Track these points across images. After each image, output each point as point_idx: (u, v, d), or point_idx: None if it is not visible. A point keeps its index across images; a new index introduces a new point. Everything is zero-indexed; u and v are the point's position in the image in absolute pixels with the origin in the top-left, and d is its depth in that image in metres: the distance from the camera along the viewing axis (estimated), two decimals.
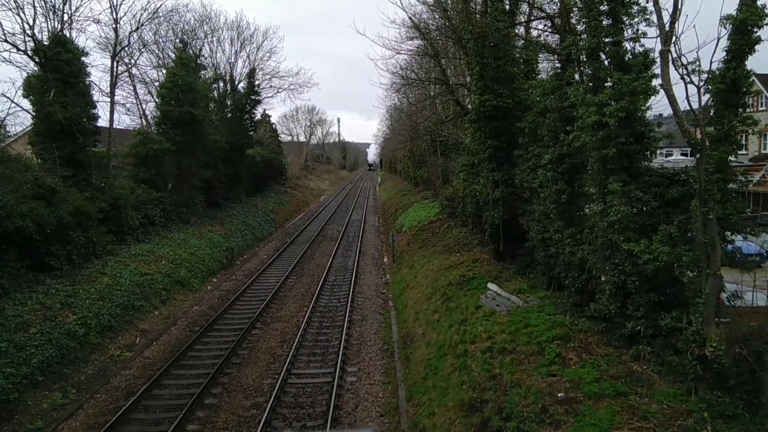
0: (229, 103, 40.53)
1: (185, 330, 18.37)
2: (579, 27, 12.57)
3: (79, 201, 19.22)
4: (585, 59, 11.87)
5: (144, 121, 34.07)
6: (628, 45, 10.90)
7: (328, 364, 15.17)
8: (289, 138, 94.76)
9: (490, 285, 16.15)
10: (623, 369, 9.86)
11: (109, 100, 26.52)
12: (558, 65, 14.55)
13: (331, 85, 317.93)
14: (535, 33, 19.72)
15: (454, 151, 33.55)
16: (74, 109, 20.57)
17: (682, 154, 46.33)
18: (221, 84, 40.91)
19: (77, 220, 18.83)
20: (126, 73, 30.88)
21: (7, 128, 22.35)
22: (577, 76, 12.88)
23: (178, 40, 36.30)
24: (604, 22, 10.98)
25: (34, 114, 20.59)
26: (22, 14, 20.53)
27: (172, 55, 34.89)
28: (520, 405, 9.37)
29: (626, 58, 10.79)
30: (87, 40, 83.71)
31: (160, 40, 36.01)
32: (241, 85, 41.59)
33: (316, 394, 13.37)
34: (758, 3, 8.71)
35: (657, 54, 9.24)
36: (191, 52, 35.50)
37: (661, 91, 9.30)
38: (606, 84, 11.03)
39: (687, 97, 8.50)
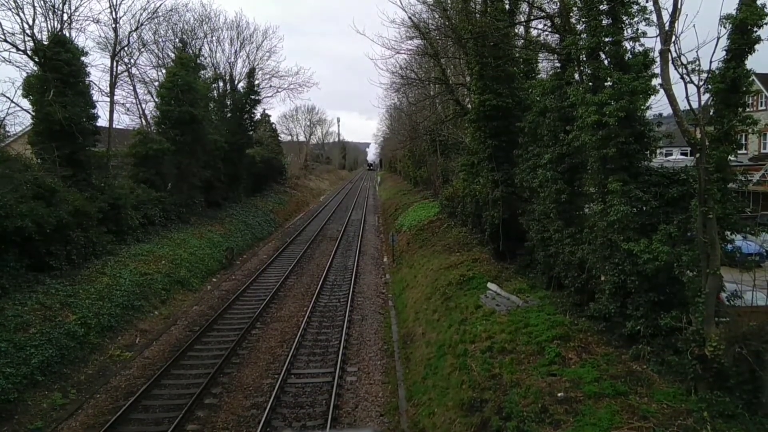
0: (228, 102, 40.52)
1: (185, 330, 18.36)
2: (579, 26, 12.57)
3: (78, 201, 19.22)
4: (585, 59, 11.86)
5: (144, 121, 34.09)
6: (627, 44, 10.91)
7: (327, 363, 15.17)
8: (289, 138, 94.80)
9: (489, 285, 16.15)
10: (623, 368, 9.86)
11: (108, 99, 26.57)
12: (558, 65, 14.55)
13: (330, 84, 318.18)
14: (534, 32, 19.74)
15: (454, 150, 33.54)
16: (74, 108, 20.55)
17: (681, 154, 46.34)
18: (221, 84, 40.91)
19: (77, 220, 18.83)
20: (126, 73, 30.95)
21: (7, 128, 22.38)
22: (576, 76, 12.87)
23: (177, 40, 36.33)
24: (603, 22, 10.98)
25: (33, 114, 20.58)
26: (21, 14, 20.57)
27: (172, 55, 34.90)
28: (520, 405, 9.37)
29: (626, 58, 10.79)
30: (86, 39, 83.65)
31: (160, 40, 36.09)
32: (241, 84, 41.63)
33: (315, 393, 13.37)
34: (758, 3, 8.71)
35: (657, 53, 9.25)
36: (191, 51, 35.48)
37: (661, 91, 9.30)
38: (606, 83, 11.03)
39: (687, 97, 8.52)
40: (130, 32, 28.94)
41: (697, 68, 8.46)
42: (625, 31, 10.87)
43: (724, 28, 8.73)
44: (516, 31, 19.07)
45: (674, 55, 8.48)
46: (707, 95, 9.25)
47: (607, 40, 10.82)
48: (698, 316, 8.70)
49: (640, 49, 10.74)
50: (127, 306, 18.31)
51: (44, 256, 17.15)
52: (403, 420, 12.19)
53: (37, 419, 12.10)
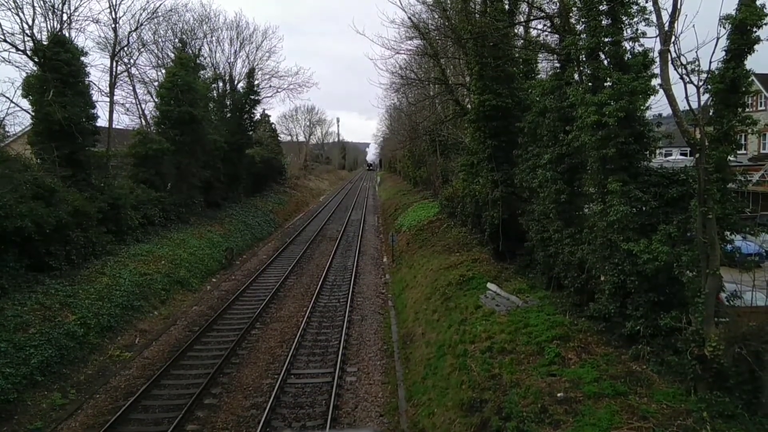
0: (228, 102, 40.51)
1: (185, 330, 18.36)
2: (578, 27, 12.57)
3: (78, 201, 19.21)
4: (584, 59, 11.87)
5: (143, 121, 34.10)
6: (627, 45, 10.91)
7: (327, 364, 15.17)
8: (289, 138, 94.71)
9: (489, 285, 16.15)
10: (623, 369, 9.86)
11: (108, 99, 26.54)
12: (557, 65, 14.55)
13: (330, 85, 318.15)
14: (534, 33, 19.72)
15: (454, 150, 33.54)
16: (73, 108, 20.54)
17: (681, 154, 46.36)
18: (220, 84, 40.92)
19: (76, 220, 18.82)
20: (125, 73, 30.95)
21: (7, 128, 22.38)
22: (576, 76, 12.87)
23: (177, 40, 36.31)
24: (603, 22, 10.98)
25: (33, 114, 20.57)
26: (21, 14, 20.56)
27: (172, 55, 34.91)
28: (520, 405, 9.37)
29: (625, 58, 10.79)
30: (86, 39, 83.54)
31: (160, 40, 36.09)
32: (241, 84, 41.63)
33: (315, 394, 13.36)
34: (757, 3, 8.71)
35: (656, 54, 9.24)
36: (190, 51, 35.47)
37: (661, 91, 9.30)
38: (605, 84, 11.03)
39: (686, 97, 8.53)
40: (129, 32, 28.95)
41: (696, 68, 8.47)
42: (624, 32, 10.87)
43: (724, 28, 8.73)
44: (516, 31, 19.07)
45: (674, 55, 8.49)
46: (707, 95, 9.25)
47: (606, 40, 10.82)
48: (698, 316, 8.71)
49: (640, 49, 10.75)
50: (127, 306, 18.31)
51: (44, 257, 17.15)
52: (402, 420, 12.19)
53: (37, 419, 12.10)
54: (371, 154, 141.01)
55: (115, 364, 15.33)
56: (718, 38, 8.33)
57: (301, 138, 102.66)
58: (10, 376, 12.51)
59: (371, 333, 17.94)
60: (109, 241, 21.22)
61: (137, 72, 33.97)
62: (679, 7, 8.40)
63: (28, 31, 20.55)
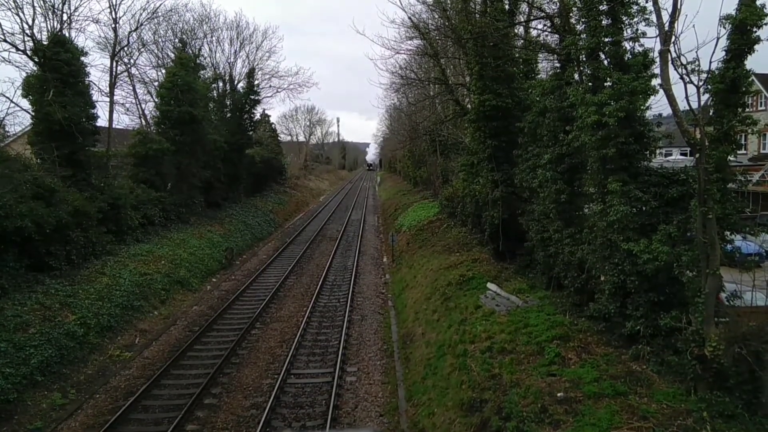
0: (228, 102, 40.51)
1: (185, 330, 18.36)
2: (578, 27, 12.57)
3: (78, 201, 19.21)
4: (584, 59, 11.87)
5: (143, 121, 34.10)
6: (627, 45, 10.91)
7: (327, 364, 15.17)
8: (289, 138, 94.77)
9: (489, 285, 16.15)
10: (623, 369, 9.86)
11: (108, 99, 26.53)
12: (557, 65, 14.54)
13: (330, 85, 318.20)
14: (534, 33, 19.72)
15: (454, 150, 33.55)
16: (73, 108, 20.54)
17: (681, 154, 46.38)
18: (220, 84, 40.90)
19: (76, 220, 18.81)
20: (125, 73, 30.93)
21: (6, 128, 22.39)
22: (576, 76, 12.87)
23: (177, 40, 36.31)
24: (603, 22, 10.98)
25: (33, 114, 20.57)
26: (21, 14, 20.55)
27: (172, 55, 34.91)
28: (520, 405, 9.37)
29: (626, 58, 10.79)
30: (86, 39, 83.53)
31: (160, 40, 36.08)
32: (241, 84, 41.61)
33: (315, 394, 13.36)
34: (757, 3, 8.71)
35: (656, 54, 9.24)
36: (190, 51, 35.48)
37: (661, 91, 9.30)
38: (605, 84, 11.03)
39: (686, 97, 8.52)
40: (129, 32, 28.94)
41: (696, 68, 8.47)
42: (624, 32, 10.87)
43: (724, 28, 8.73)
44: (516, 31, 19.07)
45: (674, 55, 8.49)
46: (707, 95, 9.25)
47: (606, 40, 10.82)
48: (698, 316, 8.71)
49: (640, 49, 10.75)
50: (127, 306, 18.31)
51: (44, 257, 17.14)
52: (402, 420, 12.19)
53: (37, 419, 12.10)
54: (371, 154, 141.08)
55: (115, 364, 15.32)
56: (718, 38, 8.34)
57: (301, 138, 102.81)
58: (10, 376, 12.52)
59: (371, 333, 17.94)
60: (109, 241, 21.22)
61: (137, 72, 34.02)
62: (679, 7, 8.40)
63: (28, 31, 20.57)
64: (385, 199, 59.84)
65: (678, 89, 8.54)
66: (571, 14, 13.40)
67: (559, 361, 10.58)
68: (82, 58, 21.67)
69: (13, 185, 16.01)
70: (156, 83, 33.68)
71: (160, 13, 31.49)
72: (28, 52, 20.69)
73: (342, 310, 19.93)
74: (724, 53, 9.01)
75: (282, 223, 43.45)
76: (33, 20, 20.64)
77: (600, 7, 10.95)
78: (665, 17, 8.65)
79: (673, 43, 8.50)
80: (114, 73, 26.85)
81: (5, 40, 20.40)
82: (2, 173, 16.19)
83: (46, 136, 20.30)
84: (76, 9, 22.87)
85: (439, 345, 14.39)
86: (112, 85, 26.71)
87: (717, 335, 8.23)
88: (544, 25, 16.64)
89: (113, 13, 26.16)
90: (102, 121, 24.41)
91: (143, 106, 34.86)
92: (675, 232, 9.47)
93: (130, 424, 12.01)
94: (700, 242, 8.64)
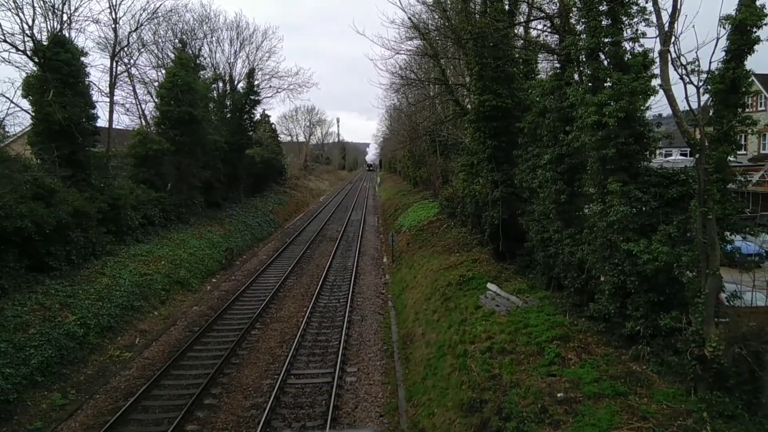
0: (228, 103, 40.51)
1: (185, 330, 18.36)
2: (578, 27, 12.58)
3: (78, 201, 19.21)
4: (584, 59, 11.86)
5: (143, 121, 34.09)
6: (627, 45, 10.90)
7: (327, 364, 15.17)
8: (289, 138, 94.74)
9: (489, 285, 16.15)
10: (623, 369, 9.86)
11: (108, 100, 26.50)
12: (557, 65, 14.55)
13: (330, 85, 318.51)
14: (534, 33, 19.72)
15: (454, 151, 33.52)
16: (73, 109, 20.53)
17: (681, 154, 46.34)
18: (220, 84, 40.91)
19: (76, 221, 18.81)
20: (125, 73, 30.92)
21: (6, 128, 22.30)
22: (576, 76, 12.87)
23: (177, 40, 36.33)
24: (603, 22, 10.98)
25: (33, 114, 20.55)
26: (21, 14, 20.51)
27: (172, 55, 34.91)
28: (520, 405, 9.37)
29: (625, 58, 10.78)
30: (86, 40, 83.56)
31: (160, 40, 36.08)
32: (241, 85, 41.63)
33: (315, 394, 13.36)
34: (757, 3, 8.71)
35: (656, 54, 9.24)
36: (190, 52, 35.50)
37: (661, 91, 9.30)
38: (605, 84, 11.03)
39: (686, 97, 8.52)
40: (129, 32, 28.90)
41: (696, 69, 8.46)
42: (624, 32, 10.87)
43: (724, 28, 8.72)
44: (516, 31, 19.07)
45: (674, 55, 8.49)
46: (707, 96, 9.24)
47: (606, 40, 10.82)
48: (698, 316, 8.70)
49: (640, 49, 10.74)
50: (127, 306, 18.31)
51: (44, 257, 17.14)
52: (402, 420, 12.18)
53: (37, 420, 12.10)
54: (371, 155, 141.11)
55: (115, 364, 15.32)
56: (718, 38, 8.33)
57: (301, 138, 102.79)
58: (10, 376, 12.52)
59: (371, 333, 17.94)
60: (109, 241, 21.22)
61: (137, 72, 34.00)
62: (679, 7, 8.40)
63: (28, 32, 20.55)
64: (385, 200, 59.85)
65: (678, 89, 8.56)
66: (571, 14, 13.41)
67: (559, 362, 10.58)
68: (82, 59, 21.66)
69: (13, 185, 16.01)
70: (156, 83, 33.69)
71: (160, 14, 31.49)
72: (28, 53, 20.68)
73: (342, 311, 19.92)
74: (723, 53, 9.00)
75: (282, 224, 43.45)
76: (33, 20, 20.65)
77: (600, 7, 10.96)
78: (665, 17, 8.66)
79: (673, 43, 8.50)
80: (114, 74, 26.87)
81: (5, 41, 20.41)
82: (2, 173, 16.19)
83: (46, 137, 20.29)
84: (76, 9, 22.89)
85: (439, 345, 14.39)
86: (112, 86, 26.72)
87: (717, 335, 8.23)
88: (544, 25, 16.65)
89: (113, 13, 26.17)
90: (102, 122, 24.46)
91: (143, 106, 34.92)
92: (675, 233, 9.47)
93: (130, 425, 12.01)
94: (700, 242, 8.64)
